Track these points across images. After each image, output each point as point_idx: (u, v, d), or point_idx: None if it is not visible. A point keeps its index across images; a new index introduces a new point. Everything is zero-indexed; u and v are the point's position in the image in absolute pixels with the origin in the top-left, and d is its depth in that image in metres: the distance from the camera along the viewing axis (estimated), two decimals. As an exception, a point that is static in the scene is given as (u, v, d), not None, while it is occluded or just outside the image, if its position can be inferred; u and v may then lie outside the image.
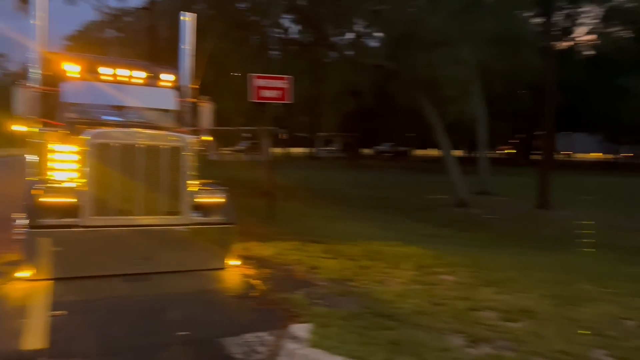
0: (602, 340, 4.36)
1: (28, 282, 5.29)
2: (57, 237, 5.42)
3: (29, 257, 5.33)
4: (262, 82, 11.01)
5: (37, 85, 7.04)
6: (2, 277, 5.42)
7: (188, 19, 8.28)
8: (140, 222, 5.81)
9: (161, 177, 5.95)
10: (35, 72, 7.18)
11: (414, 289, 5.92)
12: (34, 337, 3.95)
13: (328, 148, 58.22)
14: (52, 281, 5.33)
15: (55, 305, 4.65)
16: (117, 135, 5.80)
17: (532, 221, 15.52)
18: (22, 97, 6.83)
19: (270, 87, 11.03)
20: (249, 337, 4.09)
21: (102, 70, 7.29)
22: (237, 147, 57.37)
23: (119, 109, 7.37)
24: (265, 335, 4.13)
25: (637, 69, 32.14)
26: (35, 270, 5.33)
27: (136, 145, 5.80)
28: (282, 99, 11.13)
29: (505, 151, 60.19)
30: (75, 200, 5.55)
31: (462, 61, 15.30)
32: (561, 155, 55.81)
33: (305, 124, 52.64)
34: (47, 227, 5.39)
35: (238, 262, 6.40)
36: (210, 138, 8.36)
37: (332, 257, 7.37)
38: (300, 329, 4.26)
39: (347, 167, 40.59)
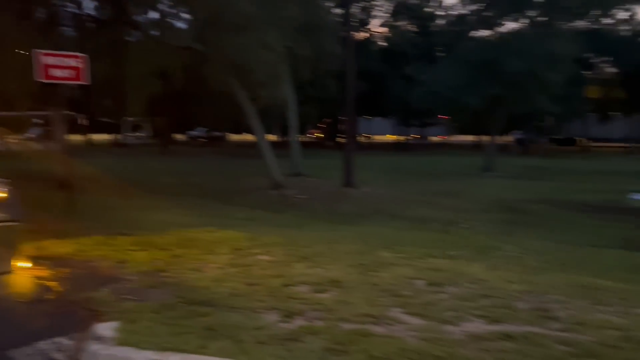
0: (399, 300, 4.85)
1: None
2: None
3: None
4: (51, 60, 9.80)
5: None
6: None
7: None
8: None
9: None
10: None
11: (229, 272, 5.88)
12: None
13: (136, 134, 54.80)
14: None
15: None
16: None
17: (339, 199, 16.64)
18: None
19: (62, 65, 9.88)
20: (44, 344, 3.61)
21: None
22: (26, 135, 50.65)
23: None
24: (63, 340, 3.70)
25: (421, 60, 36.52)
26: None
27: None
28: (76, 79, 10.05)
29: (315, 135, 63.63)
30: None
31: (270, 46, 15.58)
32: (362, 138, 60.92)
33: (110, 109, 48.75)
34: None
35: (28, 264, 5.64)
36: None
37: (142, 249, 6.94)
38: (106, 328, 3.90)
39: (158, 154, 38.82)
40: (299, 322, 4.25)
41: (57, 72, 9.85)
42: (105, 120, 51.98)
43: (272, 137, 44.91)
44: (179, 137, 57.73)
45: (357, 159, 19.20)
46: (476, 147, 44.64)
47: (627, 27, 42.72)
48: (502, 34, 25.51)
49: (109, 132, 54.83)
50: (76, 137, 53.43)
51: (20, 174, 19.20)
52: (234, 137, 62.87)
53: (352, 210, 14.58)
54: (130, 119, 56.07)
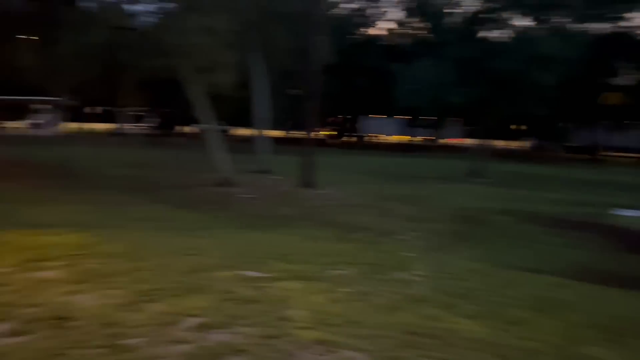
0: None
1: None
2: None
3: None
4: None
5: None
6: None
7: None
8: None
9: None
10: None
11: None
12: None
13: (138, 124, 54.04)
14: None
15: None
16: None
17: (286, 200, 15.06)
18: None
19: None
20: None
21: None
22: (35, 122, 50.26)
23: None
24: None
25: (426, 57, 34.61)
26: None
27: None
28: None
29: (325, 132, 61.99)
30: None
31: (213, 30, 14.10)
32: (368, 137, 59.17)
33: (108, 98, 48.18)
34: None
35: None
36: None
37: None
38: None
39: (148, 145, 37.69)
40: None
41: None
42: (109, 109, 51.46)
43: (276, 133, 43.78)
44: (187, 129, 56.43)
45: (344, 159, 17.59)
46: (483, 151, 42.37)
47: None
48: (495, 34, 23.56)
49: (114, 122, 54.03)
50: (77, 125, 53.12)
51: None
52: (244, 131, 61.40)
53: (289, 213, 12.98)
54: (131, 108, 55.44)
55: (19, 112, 54.04)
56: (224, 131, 58.85)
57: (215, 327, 4.06)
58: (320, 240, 9.38)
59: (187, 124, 56.10)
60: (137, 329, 3.91)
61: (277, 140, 31.75)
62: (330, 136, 58.32)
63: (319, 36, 18.01)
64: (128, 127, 51.42)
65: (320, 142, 50.73)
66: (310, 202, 14.74)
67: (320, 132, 62.22)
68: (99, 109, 52.91)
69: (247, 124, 52.66)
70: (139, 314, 4.22)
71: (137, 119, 55.74)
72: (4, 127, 43.90)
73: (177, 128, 55.03)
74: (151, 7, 15.78)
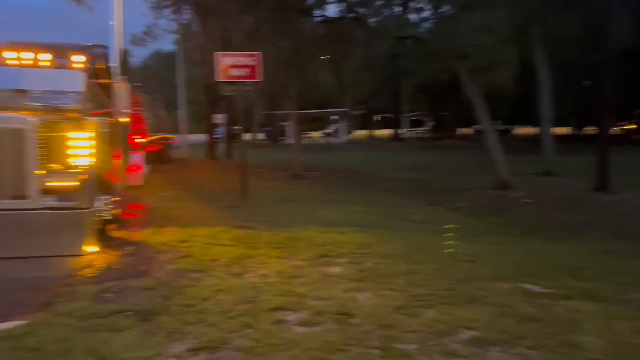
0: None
1: None
2: None
3: None
4: (229, 60, 10.56)
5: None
6: None
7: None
8: (-17, 206, 5.72)
9: (4, 160, 5.79)
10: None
11: (264, 282, 5.20)
12: None
13: (416, 129, 56.06)
14: None
15: None
16: (-49, 118, 5.73)
17: (574, 205, 13.43)
18: None
19: (238, 65, 10.55)
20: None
21: (6, 54, 7.31)
22: (324, 131, 57.29)
23: (20, 92, 7.36)
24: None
25: None
26: None
27: (-28, 127, 5.69)
28: (250, 77, 10.60)
29: (625, 127, 53.53)
30: None
31: (489, 28, 13.60)
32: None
33: (390, 104, 51.26)
34: None
35: (95, 248, 6.10)
36: (127, 119, 8.14)
37: (232, 245, 6.80)
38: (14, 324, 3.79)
39: (425, 148, 38.70)
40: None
41: (235, 72, 10.55)
42: (389, 116, 54.85)
43: (561, 130, 39.89)
44: (465, 131, 56.14)
45: None
46: None
47: None
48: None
49: (395, 128, 57.35)
50: (364, 132, 58.10)
51: (277, 164, 21.86)
52: (524, 130, 57.73)
53: (575, 220, 11.53)
54: (410, 114, 57.86)
55: (317, 123, 62.24)
56: (506, 131, 56.45)
57: (490, 343, 3.80)
58: (615, 255, 8.01)
59: (464, 126, 55.77)
60: (411, 334, 3.93)
61: (562, 138, 28.80)
62: (632, 131, 49.95)
63: (615, 14, 15.55)
64: (407, 131, 53.84)
65: (619, 139, 43.95)
66: (603, 208, 12.80)
67: (621, 127, 53.91)
68: (380, 116, 56.74)
69: (527, 122, 49.52)
70: (414, 318, 4.25)
71: (416, 123, 57.87)
72: (309, 137, 51.21)
73: (454, 130, 55.18)
74: (426, 14, 16.03)
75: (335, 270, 5.72)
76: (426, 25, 15.34)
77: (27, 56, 7.34)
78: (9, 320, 3.93)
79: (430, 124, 54.34)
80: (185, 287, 4.89)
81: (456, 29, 14.05)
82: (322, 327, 3.99)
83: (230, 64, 10.52)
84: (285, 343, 3.65)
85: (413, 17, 16.39)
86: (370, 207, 12.30)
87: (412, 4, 16.95)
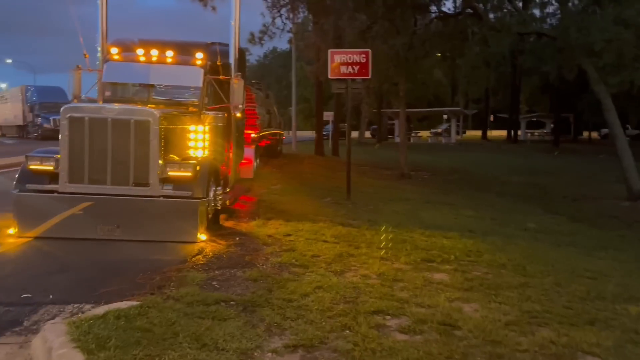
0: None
1: (15, 238, 6.14)
2: (35, 200, 6.14)
3: (15, 216, 6.17)
4: (340, 58, 10.57)
5: (90, 68, 8.03)
6: (-1, 231, 6.41)
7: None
8: (109, 191, 6.20)
9: (129, 149, 6.24)
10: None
11: (365, 283, 5.10)
12: None
13: (535, 131, 52.71)
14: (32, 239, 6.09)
15: None
16: (86, 109, 6.27)
17: None
18: (74, 79, 7.86)
19: (349, 62, 10.52)
20: (69, 307, 4.07)
21: (138, 51, 7.90)
22: (436, 130, 55.85)
23: (147, 87, 7.91)
24: (84, 306, 4.07)
25: None
26: (18, 229, 6.14)
27: (103, 118, 6.18)
28: (360, 74, 10.53)
29: None
30: (52, 168, 6.20)
31: (628, 22, 12.36)
32: None
33: (506, 104, 48.69)
34: (28, 191, 6.15)
35: (203, 237, 6.37)
36: (239, 115, 8.42)
37: (334, 242, 6.79)
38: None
39: (545, 151, 36.24)
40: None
41: (346, 69, 10.55)
42: (504, 116, 52.12)
43: None
44: (590, 134, 51.64)
45: None
46: None
47: None
48: None
49: (511, 129, 54.34)
50: (476, 133, 55.75)
51: (383, 163, 21.66)
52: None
53: None
54: (529, 115, 54.49)
55: (427, 122, 60.89)
56: (639, 136, 51.16)
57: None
58: None
59: (590, 129, 51.32)
60: (522, 354, 3.61)
61: None
62: None
63: None
64: (525, 133, 50.79)
65: None
66: None
67: None
68: (495, 117, 54.07)
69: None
70: (526, 337, 3.91)
71: (534, 125, 54.42)
72: (418, 136, 50.24)
73: (578, 133, 51.02)
74: (552, 8, 14.91)
75: (440, 276, 5.46)
76: (551, 20, 14.24)
77: (154, 53, 7.86)
78: (127, 300, 4.20)
79: (551, 125, 50.76)
80: (287, 281, 4.93)
81: (587, 23, 12.91)
82: (423, 336, 3.80)
83: (341, 61, 10.52)
84: (384, 349, 3.51)
85: (536, 12, 15.32)
86: (481, 211, 11.70)
87: (535, -1, 15.86)
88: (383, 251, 6.45)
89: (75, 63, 8.07)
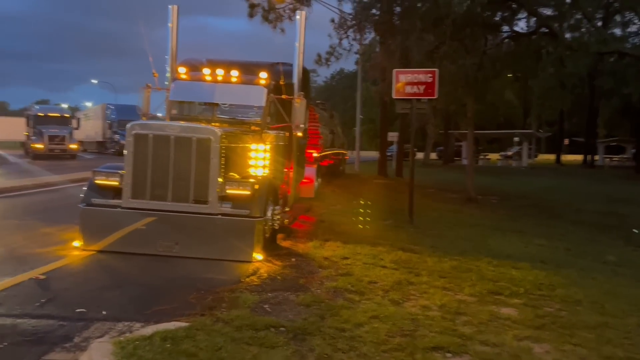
0: None
1: (80, 251, 6.31)
2: (99, 214, 6.29)
3: (81, 229, 6.35)
4: (405, 77, 10.33)
5: (159, 87, 8.27)
6: (65, 244, 6.60)
7: (302, 17, 8.47)
8: (169, 208, 6.26)
9: (190, 166, 6.29)
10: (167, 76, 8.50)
11: (424, 314, 4.79)
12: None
13: (615, 156, 49.61)
14: (95, 252, 6.23)
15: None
16: (151, 127, 6.38)
17: None
18: (144, 97, 8.12)
19: (414, 82, 10.26)
20: (119, 325, 4.04)
21: (204, 71, 8.06)
22: (506, 153, 53.90)
23: (212, 105, 8.03)
24: (134, 325, 4.02)
25: None
26: (83, 242, 6.30)
27: (167, 136, 6.27)
28: (426, 94, 10.23)
29: None
30: (117, 183, 6.35)
31: None
32: None
33: (582, 127, 46.25)
34: (93, 205, 6.32)
35: (260, 256, 6.26)
36: (300, 134, 8.35)
37: (393, 268, 6.50)
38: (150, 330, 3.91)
39: (626, 178, 33.96)
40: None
41: (410, 89, 10.30)
42: (580, 140, 49.55)
43: None
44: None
45: None
46: None
47: None
48: None
49: (588, 153, 51.56)
50: (549, 157, 53.30)
51: (449, 185, 21.01)
52: None
53: None
54: (607, 139, 51.47)
55: (497, 144, 58.91)
56: None
57: None
58: None
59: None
60: (602, 408, 3.18)
61: None
62: None
63: None
64: (603, 158, 47.95)
65: None
66: None
67: None
68: (568, 140, 51.47)
69: None
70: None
71: (613, 149, 51.29)
72: (487, 159, 48.63)
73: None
74: (635, 27, 14.00)
75: (508, 311, 5.04)
76: (634, 39, 13.36)
77: (219, 73, 7.97)
78: (176, 320, 4.13)
79: (632, 151, 47.65)
80: (341, 309, 4.70)
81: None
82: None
83: (406, 81, 10.28)
84: (442, 392, 3.21)
85: (617, 31, 14.45)
86: (555, 241, 10.94)
87: (616, 17, 14.96)
88: (445, 280, 6.10)
89: (150, 82, 8.36)
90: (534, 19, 16.17)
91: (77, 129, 32.18)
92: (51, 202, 11.74)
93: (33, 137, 29.75)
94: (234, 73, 7.94)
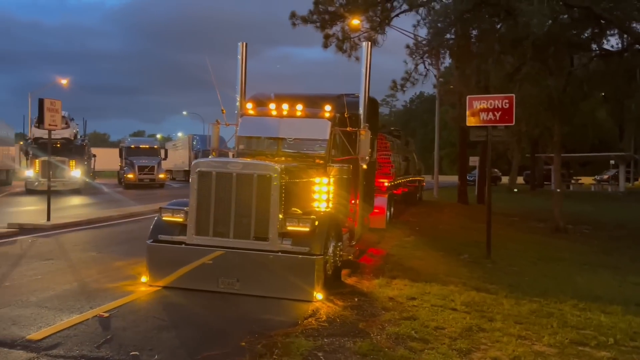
0: None
1: (146, 287, 6.44)
2: (165, 251, 6.40)
3: (148, 265, 6.49)
4: (480, 104, 9.85)
5: (227, 123, 8.45)
6: (134, 279, 6.77)
7: (367, 47, 8.37)
8: (231, 245, 6.25)
9: (251, 203, 6.26)
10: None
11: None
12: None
13: None
14: (160, 288, 6.33)
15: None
16: (213, 164, 6.44)
17: None
18: (214, 133, 8.33)
19: (490, 108, 9.76)
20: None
21: (270, 106, 8.13)
22: (600, 176, 50.32)
23: (277, 139, 8.05)
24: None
25: None
26: (149, 278, 6.44)
27: (229, 173, 6.30)
28: (502, 121, 9.68)
29: None
30: (182, 219, 6.45)
31: None
32: None
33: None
34: (159, 242, 6.45)
35: (320, 296, 6.05)
36: (365, 166, 8.13)
37: (464, 311, 6.05)
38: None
39: None
40: None
41: (484, 116, 9.82)
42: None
43: None
44: None
45: None
46: None
47: None
48: None
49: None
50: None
51: (535, 213, 19.74)
52: None
53: None
54: None
55: (590, 167, 55.17)
56: None
57: None
58: None
59: None
60: None
61: None
62: None
63: None
64: None
65: None
66: None
67: None
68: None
69: None
70: None
71: None
72: (579, 183, 45.51)
73: None
74: None
75: (594, 368, 4.46)
76: None
77: (284, 107, 8.00)
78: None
79: None
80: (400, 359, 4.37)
81: None
82: None
83: (480, 107, 9.79)
84: None
85: None
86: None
87: None
88: (522, 326, 5.56)
89: (235, 113, 8.60)
90: (626, 36, 14.97)
91: (164, 159, 34.06)
92: (131, 233, 12.28)
93: (125, 168, 31.88)
94: (299, 107, 7.93)
